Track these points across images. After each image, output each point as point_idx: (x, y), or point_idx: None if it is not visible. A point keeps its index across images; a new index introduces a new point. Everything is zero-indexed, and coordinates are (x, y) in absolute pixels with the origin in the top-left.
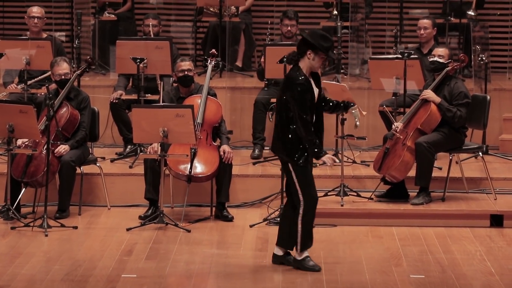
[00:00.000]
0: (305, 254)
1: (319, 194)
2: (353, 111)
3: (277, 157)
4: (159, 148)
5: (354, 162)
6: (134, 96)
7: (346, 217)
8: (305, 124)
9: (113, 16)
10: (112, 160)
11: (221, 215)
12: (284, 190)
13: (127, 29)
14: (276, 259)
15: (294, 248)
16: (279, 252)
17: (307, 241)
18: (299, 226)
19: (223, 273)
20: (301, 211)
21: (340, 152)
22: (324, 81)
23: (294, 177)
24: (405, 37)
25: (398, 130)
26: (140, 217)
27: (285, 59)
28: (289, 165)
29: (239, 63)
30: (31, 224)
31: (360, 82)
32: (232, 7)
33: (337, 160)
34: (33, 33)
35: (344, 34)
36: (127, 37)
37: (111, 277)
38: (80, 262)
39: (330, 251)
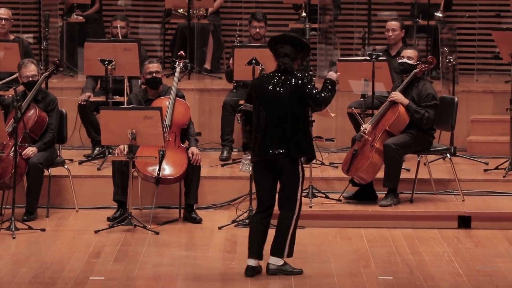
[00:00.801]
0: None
1: None
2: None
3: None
4: (127, 150)
5: (322, 164)
6: (102, 98)
7: (314, 218)
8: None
9: (81, 18)
10: (80, 162)
11: (190, 217)
12: (253, 195)
13: (95, 31)
14: (254, 271)
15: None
16: (255, 263)
17: (293, 247)
18: (291, 232)
19: (191, 275)
20: (295, 217)
21: None
22: None
23: (300, 181)
24: (373, 39)
25: (366, 132)
26: (108, 219)
27: (283, 68)
28: (296, 168)
29: (207, 65)
30: None
31: None
32: (201, 8)
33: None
34: (0, 34)
35: (312, 36)
36: (95, 39)
37: (79, 280)
38: (48, 264)
39: (299, 252)
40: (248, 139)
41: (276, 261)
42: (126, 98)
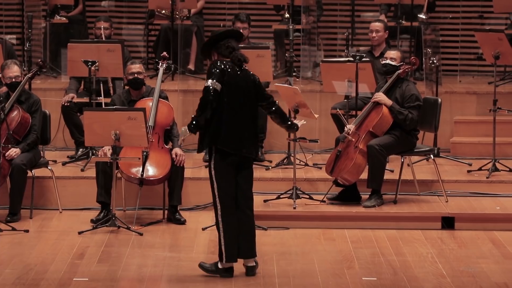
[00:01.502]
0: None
1: (271, 196)
2: (182, 129)
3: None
4: (111, 151)
5: (306, 164)
6: (85, 99)
7: (298, 219)
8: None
9: (65, 19)
10: (64, 163)
11: (174, 218)
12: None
13: (79, 32)
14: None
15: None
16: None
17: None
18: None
19: (175, 276)
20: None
21: (292, 154)
22: (276, 84)
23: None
24: (356, 40)
25: (350, 133)
26: (92, 221)
27: (240, 62)
28: (252, 164)
29: (191, 66)
30: None
31: (312, 85)
32: (184, 9)
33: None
34: None
35: (296, 37)
36: (79, 40)
37: (62, 281)
38: (32, 265)
39: (283, 254)
40: (201, 120)
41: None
42: (103, 98)
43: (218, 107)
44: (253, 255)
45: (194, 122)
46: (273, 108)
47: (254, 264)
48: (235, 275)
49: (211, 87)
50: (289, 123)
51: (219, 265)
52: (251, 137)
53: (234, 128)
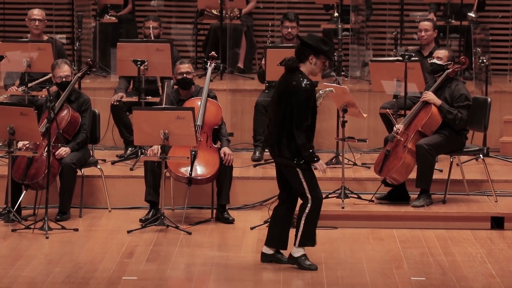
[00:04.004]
0: (302, 252)
1: None
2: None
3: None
4: (160, 150)
5: (355, 164)
6: (134, 99)
7: (347, 219)
8: (305, 130)
9: (114, 18)
10: (113, 163)
11: (222, 217)
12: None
13: (128, 32)
14: (265, 258)
15: (293, 245)
16: (269, 251)
17: (308, 239)
18: (302, 222)
19: (223, 276)
20: (307, 210)
21: (340, 154)
22: (325, 83)
23: (302, 179)
24: (405, 39)
25: (399, 133)
26: (141, 221)
27: (284, 65)
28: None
29: (240, 65)
30: (32, 226)
31: (361, 85)
32: (235, 9)
33: (326, 168)
34: (34, 35)
35: (344, 36)
36: (128, 39)
37: (112, 280)
38: (81, 264)
39: (331, 253)
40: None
41: (267, 250)
42: (164, 97)
43: None
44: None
45: None
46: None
47: (269, 252)
48: (283, 272)
49: None
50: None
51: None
52: (276, 143)
53: (267, 133)
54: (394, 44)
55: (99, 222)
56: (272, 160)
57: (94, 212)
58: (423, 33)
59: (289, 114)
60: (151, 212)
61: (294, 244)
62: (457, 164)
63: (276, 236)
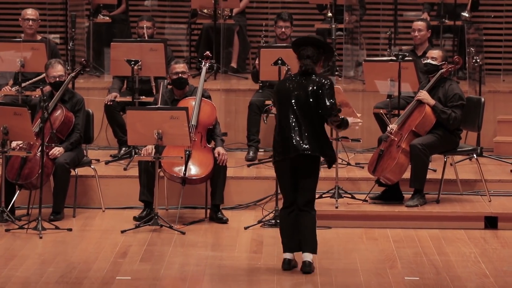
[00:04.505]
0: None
1: None
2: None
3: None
4: (154, 150)
5: (348, 164)
6: (128, 98)
7: (340, 219)
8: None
9: (108, 18)
10: (107, 162)
11: (216, 217)
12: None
13: (122, 31)
14: (290, 265)
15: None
16: (291, 256)
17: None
18: (315, 226)
19: (217, 275)
20: (313, 212)
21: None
22: None
23: (317, 177)
24: (399, 39)
25: (392, 132)
26: (134, 218)
27: (304, 69)
28: (314, 164)
29: (234, 64)
30: (26, 226)
31: (355, 84)
32: (226, 9)
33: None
34: (28, 35)
35: (338, 36)
36: (122, 39)
37: (105, 279)
38: (75, 264)
39: (325, 253)
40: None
41: (291, 256)
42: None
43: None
44: (303, 250)
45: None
46: (328, 119)
47: (309, 260)
48: (277, 272)
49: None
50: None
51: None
52: (299, 139)
53: (282, 135)
54: (388, 44)
55: (93, 222)
56: (266, 160)
57: (87, 212)
58: (416, 33)
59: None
60: (145, 212)
61: (312, 251)
62: (451, 164)
63: (297, 240)
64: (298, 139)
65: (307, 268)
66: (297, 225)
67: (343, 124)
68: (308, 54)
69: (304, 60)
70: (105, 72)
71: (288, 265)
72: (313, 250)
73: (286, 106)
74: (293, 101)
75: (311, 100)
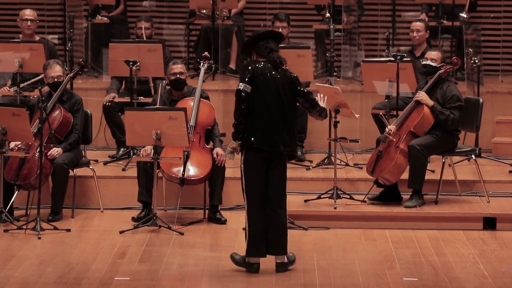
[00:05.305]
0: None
1: (312, 196)
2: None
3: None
4: (152, 150)
5: (347, 165)
6: (127, 99)
7: (339, 219)
8: None
9: (106, 18)
10: (105, 163)
11: (214, 217)
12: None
13: (120, 32)
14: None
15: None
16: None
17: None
18: (287, 224)
19: (216, 276)
20: (286, 210)
21: (333, 154)
22: (317, 83)
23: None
24: (397, 39)
25: (391, 133)
26: (133, 219)
27: (275, 63)
28: (285, 161)
29: (232, 66)
30: (24, 227)
31: (353, 85)
32: (224, 9)
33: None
34: (26, 35)
35: (336, 37)
36: (120, 39)
37: (104, 280)
38: (73, 264)
39: (323, 254)
40: (241, 123)
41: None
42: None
43: (250, 108)
44: (281, 252)
45: (234, 130)
46: (308, 105)
47: (285, 260)
48: (276, 273)
49: (242, 91)
50: (318, 108)
51: (246, 259)
52: (284, 134)
53: (264, 126)
54: (386, 45)
55: (91, 223)
56: None
57: (86, 212)
58: (415, 34)
59: (294, 105)
60: (144, 213)
61: (285, 252)
62: (449, 165)
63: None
64: (280, 134)
65: (284, 268)
66: (267, 225)
67: (324, 111)
68: (272, 47)
69: (272, 54)
70: (103, 72)
71: (258, 269)
72: (286, 251)
73: (266, 96)
74: (272, 93)
75: (286, 94)
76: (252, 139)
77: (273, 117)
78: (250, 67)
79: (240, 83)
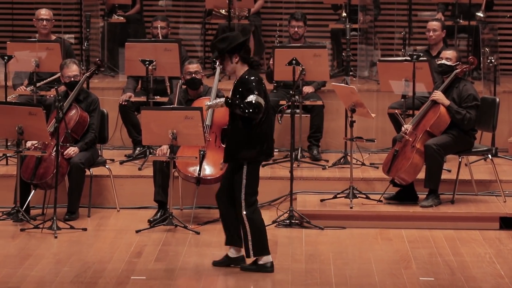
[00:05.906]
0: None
1: (328, 196)
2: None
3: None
4: (168, 150)
5: (363, 164)
6: (143, 98)
7: (355, 219)
8: None
9: (122, 18)
10: (121, 162)
11: None
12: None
13: (136, 31)
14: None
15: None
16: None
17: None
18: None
19: (232, 275)
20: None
21: (349, 154)
22: (333, 83)
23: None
24: (414, 39)
25: (407, 133)
26: (149, 221)
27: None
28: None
29: None
30: (41, 226)
31: (369, 84)
32: (244, 9)
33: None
34: (42, 35)
35: (353, 36)
36: (136, 39)
37: (120, 279)
38: (90, 264)
39: (340, 253)
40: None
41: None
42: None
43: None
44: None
45: (247, 110)
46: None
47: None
48: (292, 271)
49: (259, 103)
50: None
51: (260, 262)
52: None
53: (271, 135)
54: (402, 44)
55: (108, 222)
56: (281, 160)
57: (102, 211)
58: (431, 33)
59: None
60: (160, 212)
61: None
62: (466, 164)
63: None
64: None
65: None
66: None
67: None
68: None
69: (251, 58)
70: (120, 72)
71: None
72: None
73: (268, 108)
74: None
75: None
76: (265, 150)
77: (271, 127)
78: (253, 78)
79: (254, 96)
